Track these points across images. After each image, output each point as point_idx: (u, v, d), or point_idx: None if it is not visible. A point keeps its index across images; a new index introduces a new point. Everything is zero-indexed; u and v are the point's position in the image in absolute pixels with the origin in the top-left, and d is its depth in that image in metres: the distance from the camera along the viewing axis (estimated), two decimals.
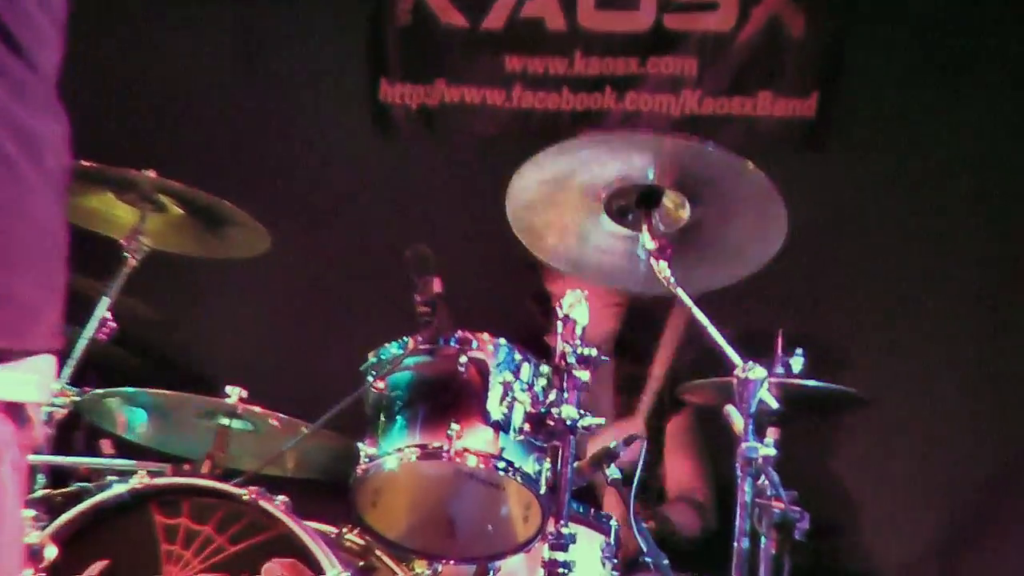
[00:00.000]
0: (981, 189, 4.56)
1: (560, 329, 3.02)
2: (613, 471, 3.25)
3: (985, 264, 4.52)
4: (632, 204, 3.22)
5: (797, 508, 3.11)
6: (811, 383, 3.52)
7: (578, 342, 2.99)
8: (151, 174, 3.55)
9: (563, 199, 3.25)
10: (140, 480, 3.16)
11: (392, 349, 3.20)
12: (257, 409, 3.49)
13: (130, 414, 3.69)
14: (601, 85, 4.86)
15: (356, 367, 3.27)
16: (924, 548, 4.42)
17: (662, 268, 3.14)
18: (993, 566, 4.31)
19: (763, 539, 3.11)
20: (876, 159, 4.67)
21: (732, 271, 3.37)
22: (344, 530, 3.43)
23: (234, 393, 3.49)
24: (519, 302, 4.39)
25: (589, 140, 3.32)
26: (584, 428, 2.98)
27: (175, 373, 4.52)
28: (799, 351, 3.56)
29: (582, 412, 2.97)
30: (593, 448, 3.23)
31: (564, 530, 2.95)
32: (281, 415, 3.52)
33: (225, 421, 3.53)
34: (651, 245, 3.14)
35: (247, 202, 3.69)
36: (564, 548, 2.93)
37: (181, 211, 3.69)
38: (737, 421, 3.06)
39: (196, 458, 3.56)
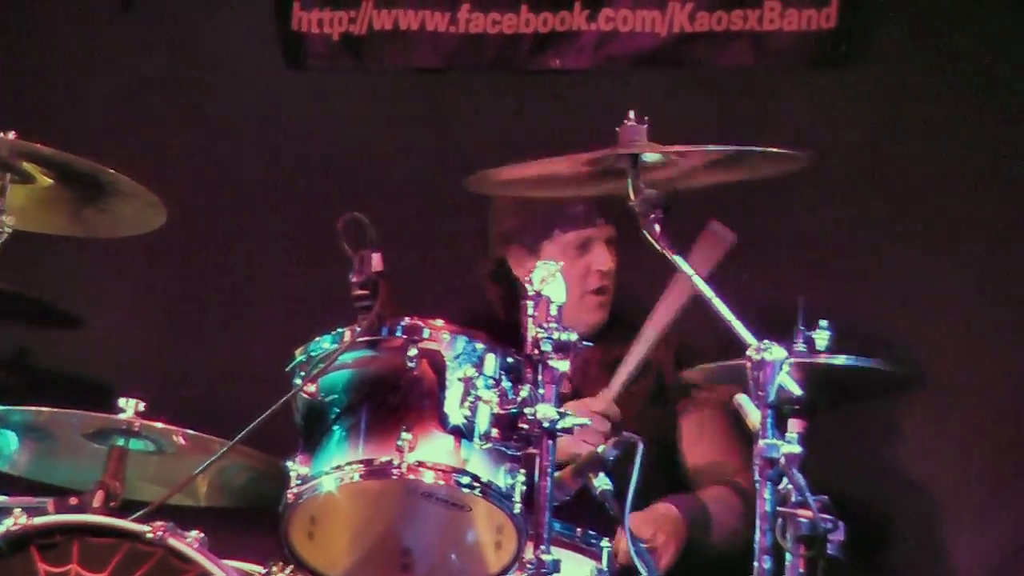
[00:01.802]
0: None
1: (531, 310, 3.09)
2: (603, 481, 3.33)
3: None
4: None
5: (829, 517, 3.20)
6: (841, 361, 3.57)
7: (553, 325, 3.06)
8: (10, 136, 3.58)
9: None
10: (15, 520, 3.20)
11: (324, 344, 3.25)
12: (159, 425, 3.54)
13: None
14: (569, 1, 4.92)
15: (280, 367, 3.32)
16: (993, 556, 4.51)
17: (653, 229, 3.24)
18: None
19: (788, 556, 3.20)
20: (912, 73, 4.76)
21: None
22: (274, 568, 3.49)
23: (129, 406, 3.54)
24: (476, 277, 4.45)
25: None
26: (564, 430, 3.04)
27: (53, 385, 4.58)
28: (824, 323, 3.60)
29: (562, 411, 3.04)
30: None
31: (545, 557, 3.01)
32: (188, 431, 3.57)
33: (120, 441, 3.58)
34: (638, 206, 3.26)
35: (134, 166, 3.73)
36: None
37: (51, 181, 3.72)
38: (752, 413, 3.15)
39: (85, 489, 3.60)
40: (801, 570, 3.20)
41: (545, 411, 3.03)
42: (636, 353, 4.05)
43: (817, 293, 3.81)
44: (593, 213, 4.20)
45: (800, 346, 3.59)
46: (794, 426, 3.41)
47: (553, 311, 3.07)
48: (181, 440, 3.62)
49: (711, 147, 3.43)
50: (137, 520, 3.27)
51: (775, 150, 3.44)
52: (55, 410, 3.60)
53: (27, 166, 3.67)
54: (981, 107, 4.69)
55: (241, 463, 3.68)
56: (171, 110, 5.00)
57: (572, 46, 4.93)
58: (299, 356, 3.30)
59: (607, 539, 3.52)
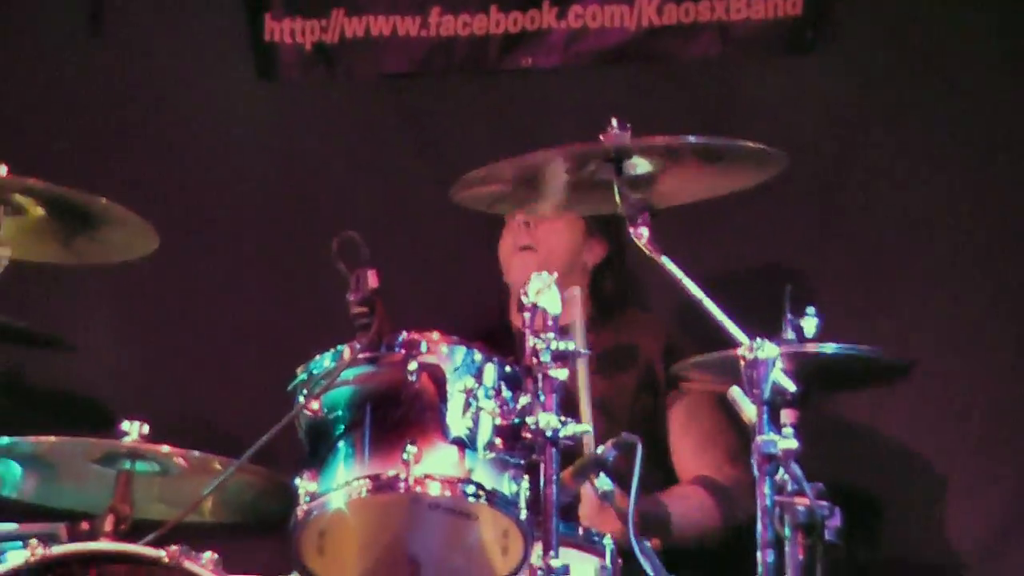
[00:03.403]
0: (1013, 88, 4.73)
1: (527, 321, 3.17)
2: (604, 482, 3.41)
3: None
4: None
5: (825, 503, 3.30)
6: (830, 348, 3.65)
7: (551, 335, 3.14)
8: (2, 171, 3.64)
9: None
10: (33, 552, 3.25)
11: (325, 361, 3.32)
12: (165, 448, 3.61)
13: (3, 468, 3.79)
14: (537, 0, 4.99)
15: (282, 386, 3.39)
16: (987, 533, 4.61)
17: (642, 234, 3.32)
18: None
19: (787, 544, 3.30)
20: (878, 58, 4.85)
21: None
22: None
23: (133, 429, 3.61)
24: (470, 285, 4.52)
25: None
26: (567, 438, 3.13)
27: (46, 408, 4.63)
28: (811, 310, 3.67)
29: (564, 419, 3.12)
30: None
31: (554, 562, 3.10)
32: (194, 452, 3.64)
33: (127, 465, 3.64)
34: (626, 210, 3.34)
35: (114, 189, 3.77)
36: None
37: (43, 212, 3.78)
38: (746, 407, 3.24)
39: (91, 511, 3.67)
40: (800, 557, 3.30)
41: (547, 420, 3.11)
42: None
43: (800, 280, 3.89)
44: None
45: (789, 334, 3.67)
46: (787, 416, 3.49)
47: (550, 322, 3.16)
48: (180, 461, 3.68)
49: (693, 138, 3.48)
50: (150, 544, 3.33)
51: (756, 146, 3.50)
52: (61, 439, 3.66)
53: (19, 198, 3.72)
54: (947, 91, 4.77)
55: (243, 479, 3.74)
56: (146, 130, 5.03)
57: (542, 44, 5.00)
58: (301, 375, 3.36)
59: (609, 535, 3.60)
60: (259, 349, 4.78)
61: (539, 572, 3.11)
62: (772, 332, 3.41)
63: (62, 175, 3.71)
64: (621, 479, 3.46)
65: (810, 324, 3.66)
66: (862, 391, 4.48)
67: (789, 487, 3.27)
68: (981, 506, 4.62)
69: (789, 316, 3.67)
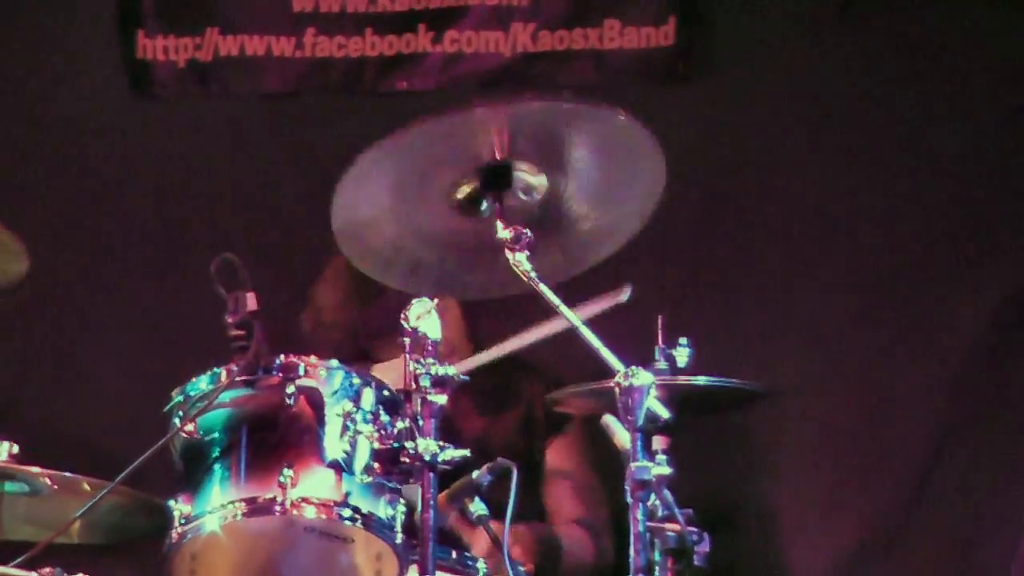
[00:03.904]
0: (879, 116, 4.88)
1: (407, 346, 3.20)
2: (479, 506, 3.45)
3: (897, 212, 4.82)
4: (478, 189, 3.42)
5: (695, 529, 3.37)
6: (703, 381, 3.73)
7: (431, 360, 3.17)
8: None
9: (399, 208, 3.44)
10: None
11: (201, 384, 3.33)
12: (35, 468, 3.57)
13: None
14: (413, 23, 5.03)
15: (155, 407, 3.40)
16: (836, 558, 4.72)
17: (520, 261, 3.35)
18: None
19: (657, 569, 3.35)
20: (750, 87, 4.97)
21: (604, 243, 3.62)
22: None
23: (3, 449, 3.57)
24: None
25: (413, 133, 3.45)
26: (445, 463, 3.16)
27: None
28: (684, 340, 3.75)
29: (442, 444, 3.15)
30: None
31: None
32: (65, 473, 3.61)
33: None
34: (506, 235, 3.35)
35: None
36: None
37: None
38: (620, 434, 3.28)
39: None
40: None
41: (427, 445, 3.14)
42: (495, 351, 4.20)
43: (669, 309, 3.95)
44: None
45: (661, 364, 3.74)
46: (658, 443, 3.58)
47: (429, 347, 3.19)
48: (52, 484, 3.65)
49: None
50: (21, 566, 3.30)
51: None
52: None
53: None
54: (821, 119, 4.90)
55: (112, 500, 3.71)
56: (15, 143, 5.00)
57: (418, 68, 5.05)
58: (176, 396, 3.37)
59: (483, 560, 3.64)
60: (132, 369, 4.75)
61: None
62: (645, 361, 3.45)
63: None
64: (496, 506, 3.50)
65: (682, 355, 3.74)
66: (725, 418, 4.57)
67: (659, 513, 3.33)
68: (839, 528, 4.73)
69: (662, 346, 3.75)
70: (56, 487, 3.65)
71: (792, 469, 4.76)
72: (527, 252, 3.36)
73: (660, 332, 3.76)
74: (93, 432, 4.64)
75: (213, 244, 4.63)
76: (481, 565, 3.61)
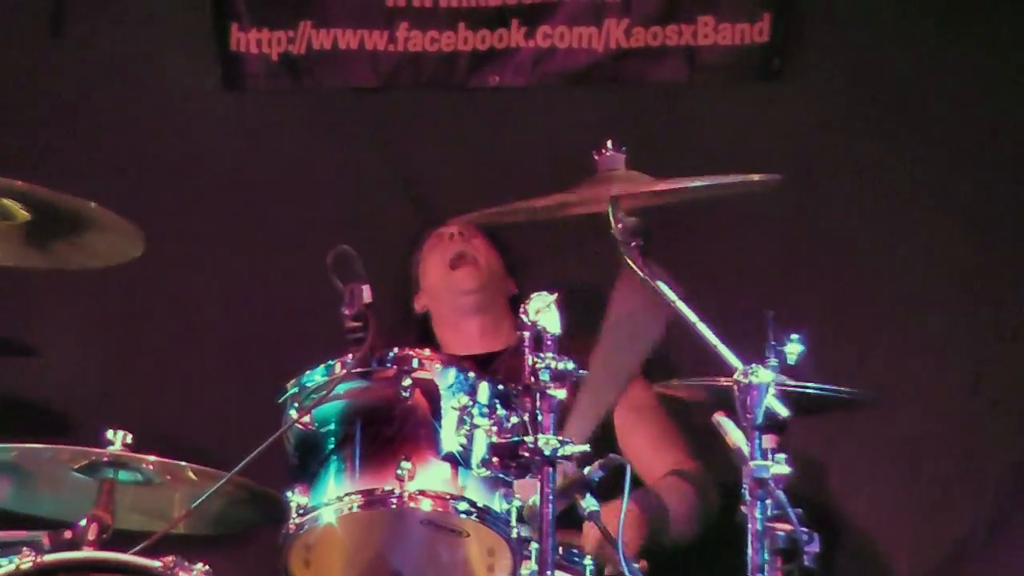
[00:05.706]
0: (976, 116, 4.86)
1: (526, 340, 3.22)
2: (590, 502, 3.46)
3: (998, 218, 4.80)
4: None
5: (805, 529, 3.38)
6: (815, 389, 3.69)
7: (550, 355, 3.19)
8: None
9: None
10: (25, 558, 3.25)
11: (316, 375, 3.37)
12: (152, 458, 3.63)
13: None
14: (506, 18, 5.05)
15: (268, 398, 3.44)
16: (939, 559, 4.73)
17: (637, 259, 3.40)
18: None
19: (766, 568, 3.36)
20: (844, 84, 4.95)
21: None
22: None
23: (117, 439, 3.62)
24: None
25: None
26: (564, 457, 3.18)
27: (30, 418, 4.63)
28: (795, 337, 3.67)
29: (562, 439, 3.17)
30: None
31: None
32: (180, 463, 3.66)
33: (110, 474, 3.66)
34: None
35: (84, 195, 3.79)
36: None
37: (28, 217, 3.77)
38: (733, 434, 3.30)
39: (63, 520, 3.67)
40: None
41: (547, 440, 3.16)
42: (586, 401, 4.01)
43: (776, 306, 3.95)
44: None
45: (772, 361, 3.73)
46: (768, 441, 3.57)
47: (549, 341, 3.21)
48: (165, 474, 3.71)
49: (694, 183, 3.57)
50: (142, 553, 3.35)
51: (750, 178, 3.59)
52: (43, 446, 3.67)
53: (6, 203, 3.72)
54: (913, 119, 4.88)
55: (220, 490, 3.75)
56: (109, 136, 5.04)
57: (510, 63, 5.06)
58: (291, 388, 3.40)
59: (589, 557, 3.66)
60: (246, 361, 4.79)
61: None
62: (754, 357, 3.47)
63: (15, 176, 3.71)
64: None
65: (794, 351, 3.70)
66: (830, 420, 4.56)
67: (769, 511, 3.34)
68: (932, 532, 4.73)
69: (773, 343, 3.74)
70: (168, 477, 3.70)
71: (893, 472, 4.74)
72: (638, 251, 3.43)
73: (770, 329, 3.75)
74: (205, 423, 4.68)
75: (304, 237, 4.71)
76: (588, 561, 3.62)
